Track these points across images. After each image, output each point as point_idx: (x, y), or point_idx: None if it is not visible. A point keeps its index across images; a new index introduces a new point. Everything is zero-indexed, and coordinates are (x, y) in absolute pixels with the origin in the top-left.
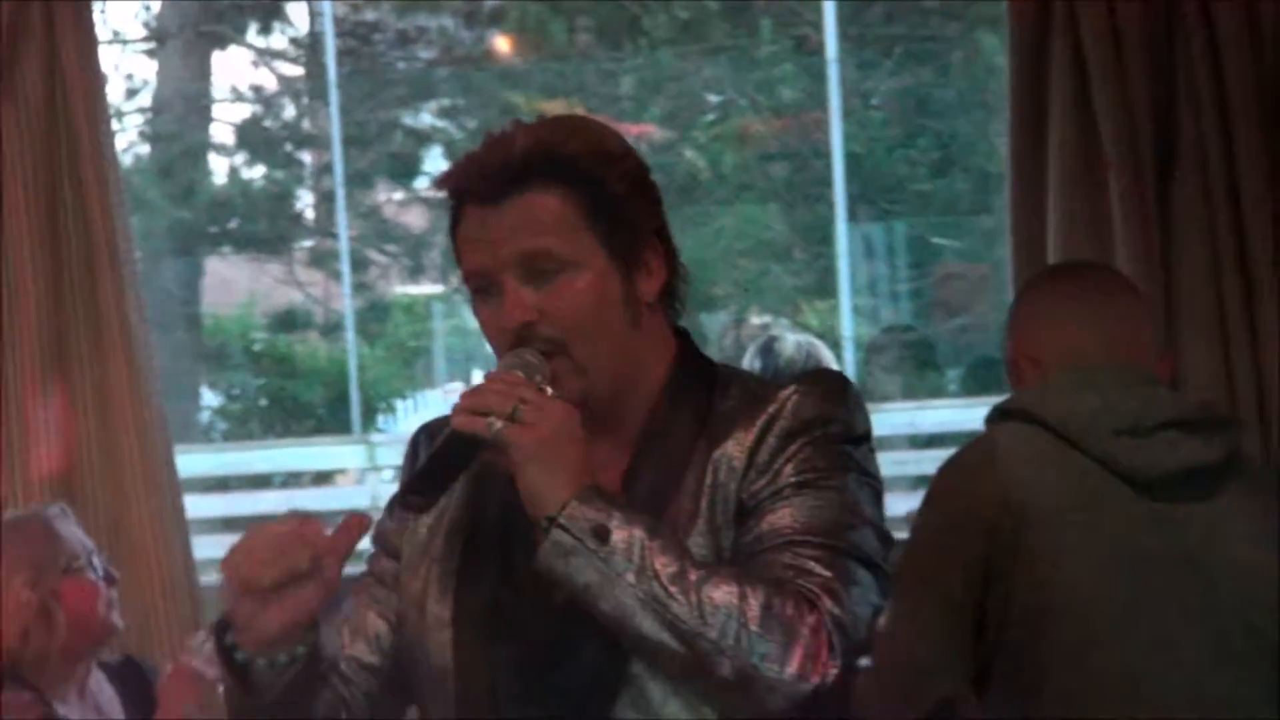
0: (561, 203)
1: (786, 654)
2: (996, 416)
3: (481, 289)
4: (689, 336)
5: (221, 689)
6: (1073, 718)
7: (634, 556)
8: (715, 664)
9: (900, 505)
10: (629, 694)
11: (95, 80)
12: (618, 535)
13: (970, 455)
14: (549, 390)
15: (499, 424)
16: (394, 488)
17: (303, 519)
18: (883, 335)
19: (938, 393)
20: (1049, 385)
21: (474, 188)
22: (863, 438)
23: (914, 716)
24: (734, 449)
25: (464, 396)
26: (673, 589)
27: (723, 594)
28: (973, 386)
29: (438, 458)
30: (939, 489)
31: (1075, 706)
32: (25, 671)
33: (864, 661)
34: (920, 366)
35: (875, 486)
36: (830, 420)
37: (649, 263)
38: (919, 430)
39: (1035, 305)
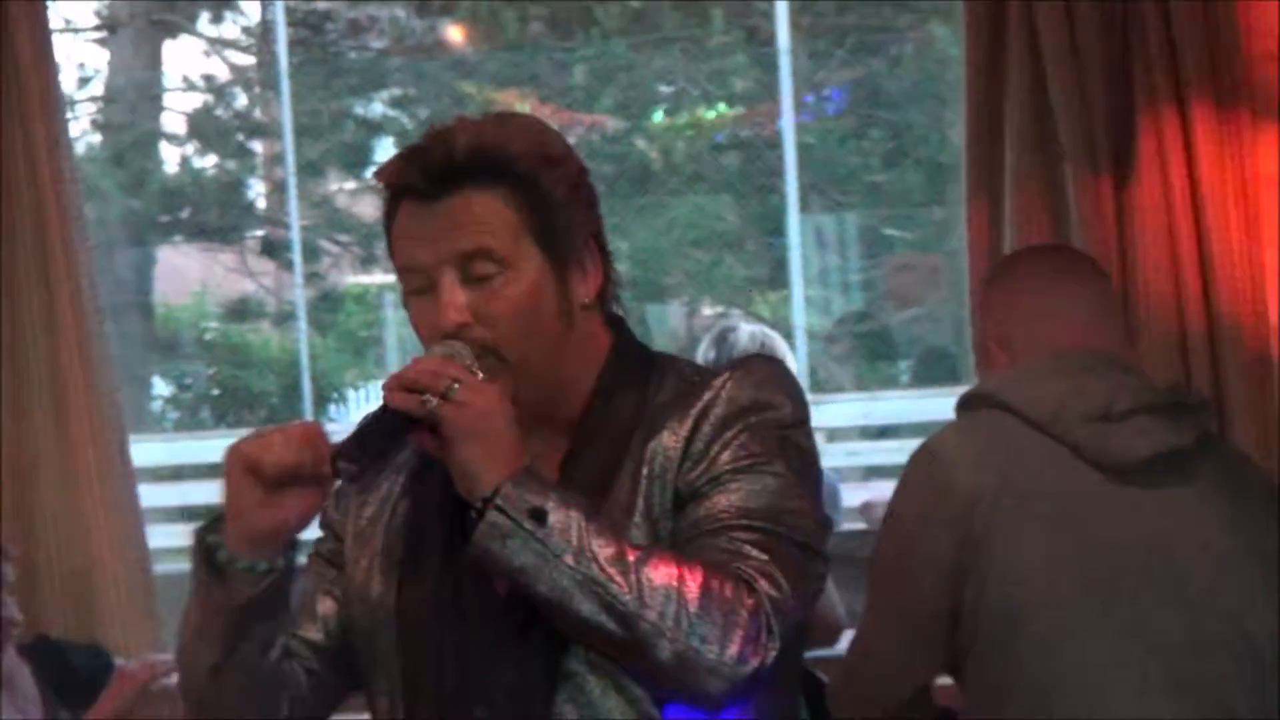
0: (501, 203)
1: (726, 636)
2: (965, 403)
3: (415, 284)
4: (625, 329)
5: (187, 598)
6: (1049, 708)
7: (571, 538)
8: (654, 646)
9: (853, 496)
10: (567, 689)
11: (49, 72)
12: (555, 517)
13: (938, 445)
14: (479, 375)
15: (434, 401)
16: None
17: (312, 424)
18: (837, 326)
19: (890, 383)
20: (1018, 371)
21: (413, 183)
22: (800, 421)
23: (888, 707)
24: (669, 439)
25: (396, 374)
26: (611, 570)
27: (661, 575)
28: (924, 377)
29: (370, 428)
30: (908, 479)
31: (1051, 696)
32: None
33: (834, 649)
34: (873, 357)
35: (812, 470)
36: (766, 405)
37: (584, 265)
38: (872, 421)
39: (1004, 289)
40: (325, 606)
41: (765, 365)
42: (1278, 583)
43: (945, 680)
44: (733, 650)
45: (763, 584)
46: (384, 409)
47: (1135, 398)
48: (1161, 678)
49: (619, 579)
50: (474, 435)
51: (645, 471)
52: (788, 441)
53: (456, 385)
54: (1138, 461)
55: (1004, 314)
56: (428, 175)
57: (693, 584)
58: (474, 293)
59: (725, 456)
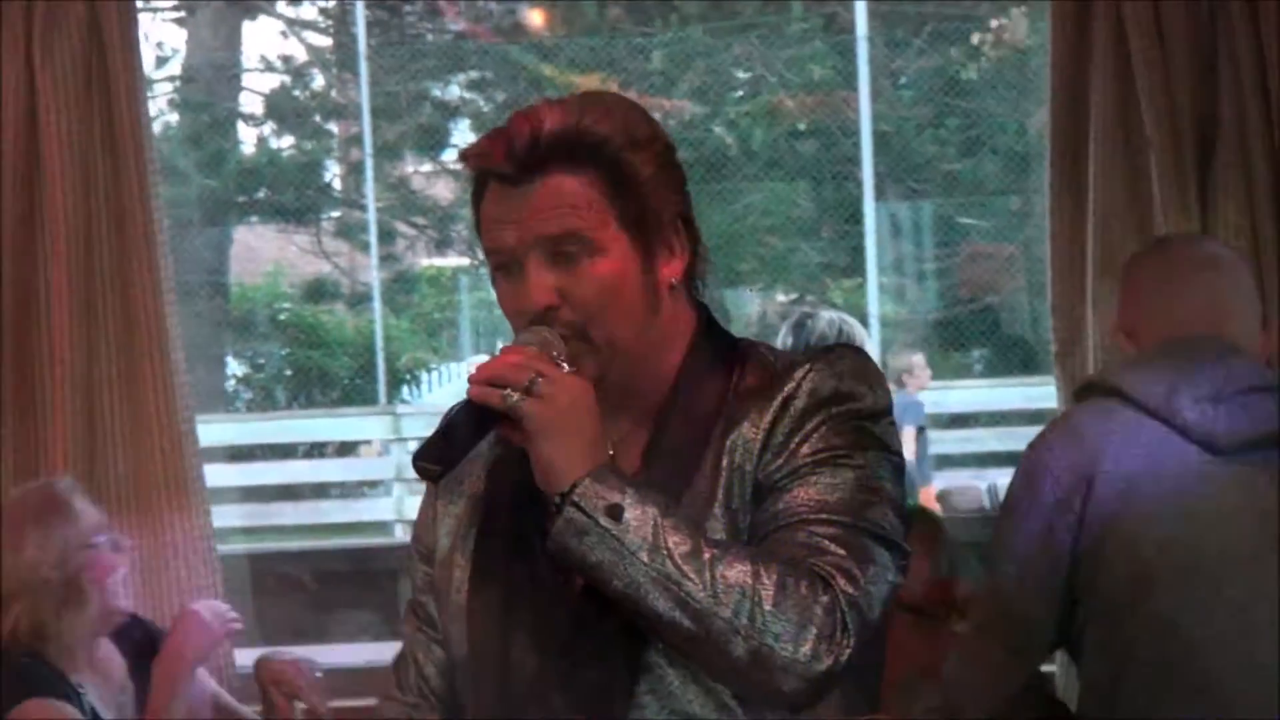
0: (588, 185)
1: (800, 634)
2: (1081, 392)
3: (503, 266)
4: (710, 314)
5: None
6: (1166, 684)
7: (647, 535)
8: (729, 643)
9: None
10: (648, 681)
11: (134, 47)
12: (631, 513)
13: (1053, 433)
14: (566, 367)
15: (515, 396)
16: None
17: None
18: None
19: (962, 372)
20: (1131, 359)
21: (500, 165)
22: (882, 413)
23: (1012, 683)
24: (749, 430)
25: (480, 368)
26: (686, 567)
27: (737, 573)
28: (997, 367)
29: (451, 427)
30: (1024, 467)
31: (1167, 673)
32: (48, 651)
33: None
34: (946, 346)
35: (895, 462)
36: (847, 396)
37: (671, 246)
38: (943, 410)
39: (1131, 281)
40: (429, 669)
41: (848, 355)
42: None
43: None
44: (806, 648)
45: (839, 581)
46: (466, 404)
47: (1242, 379)
48: (1271, 652)
49: (693, 576)
50: (555, 430)
51: (725, 463)
52: (869, 433)
53: (539, 379)
54: (1244, 439)
55: (1130, 305)
56: (514, 158)
57: (767, 581)
58: (561, 274)
59: (805, 449)
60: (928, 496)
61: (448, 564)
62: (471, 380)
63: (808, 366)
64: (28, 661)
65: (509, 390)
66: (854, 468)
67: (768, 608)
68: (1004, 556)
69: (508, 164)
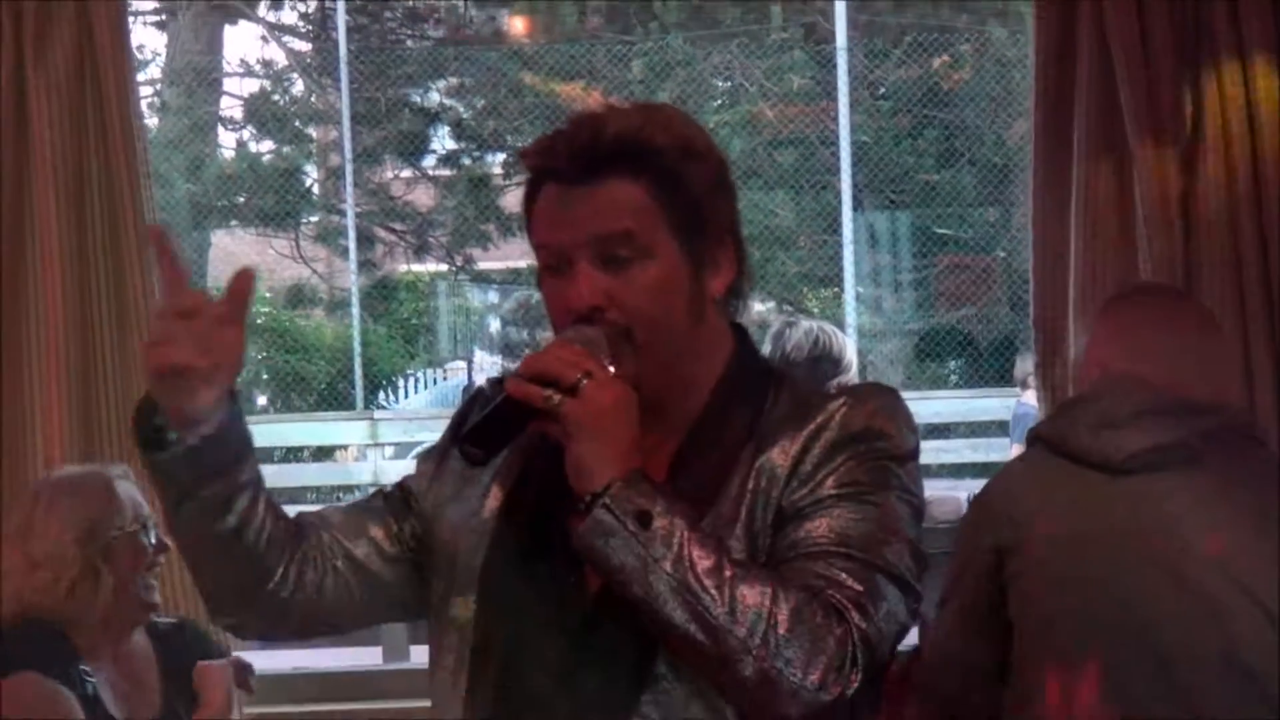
0: (643, 192)
1: (811, 662)
2: (1027, 441)
3: (552, 265)
4: (747, 335)
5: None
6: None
7: (673, 545)
8: (739, 662)
9: None
10: (652, 691)
11: (127, 59)
12: (659, 522)
13: (988, 484)
14: (612, 369)
15: (556, 398)
16: (396, 463)
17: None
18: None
19: (939, 383)
20: (1059, 407)
21: (558, 166)
22: (908, 455)
23: (955, 694)
24: (779, 456)
25: (529, 360)
26: (707, 582)
27: (755, 594)
28: (974, 378)
29: (494, 417)
30: (966, 516)
31: (1069, 696)
32: (66, 628)
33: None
34: (923, 356)
35: (916, 505)
36: (877, 435)
37: (719, 260)
38: (921, 420)
39: (1097, 330)
40: (379, 537)
41: (881, 395)
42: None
43: None
44: (815, 676)
45: (854, 614)
46: (508, 397)
47: (1138, 403)
48: (1188, 660)
49: (713, 591)
50: (593, 432)
51: (751, 486)
52: (894, 474)
53: (585, 381)
54: (1130, 455)
55: (1090, 354)
56: (573, 160)
57: (785, 606)
58: (610, 277)
59: (831, 481)
60: None
61: (473, 551)
62: (519, 372)
63: (842, 400)
64: (38, 632)
65: (551, 392)
66: (876, 505)
67: (782, 631)
68: (947, 590)
69: (567, 164)
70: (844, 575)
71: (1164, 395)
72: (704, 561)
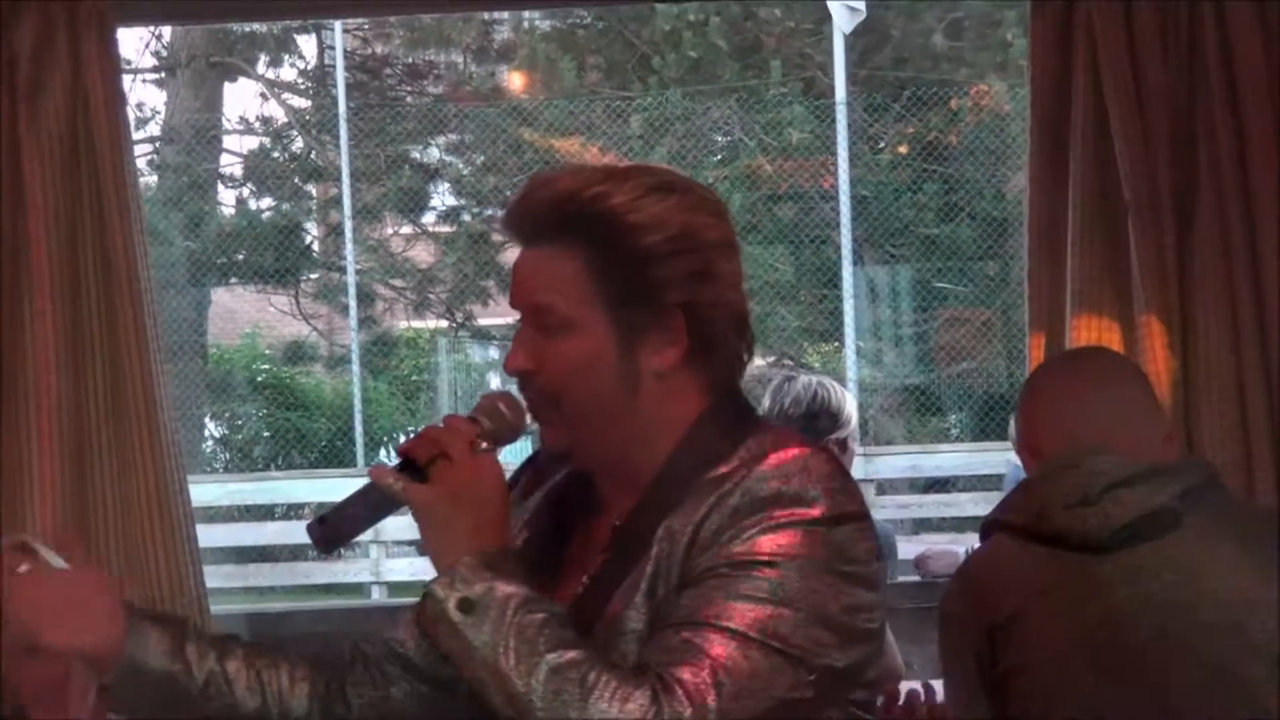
0: (574, 261)
1: None
2: (983, 529)
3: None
4: (727, 399)
5: None
6: None
7: (491, 631)
8: None
9: (904, 549)
10: None
11: (119, 111)
12: (481, 607)
13: (953, 584)
14: (484, 445)
15: (399, 484)
16: (397, 519)
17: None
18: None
19: (940, 437)
20: (1015, 488)
21: (510, 226)
22: (834, 518)
23: None
24: (681, 520)
25: (410, 438)
26: (521, 667)
27: (562, 679)
28: (974, 431)
29: (353, 499)
30: (941, 611)
31: None
32: None
33: None
34: (924, 410)
35: (845, 571)
36: (792, 500)
37: (665, 333)
38: (921, 474)
39: (1033, 399)
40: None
41: (801, 456)
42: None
43: None
44: None
45: (676, 693)
46: (370, 483)
47: (1110, 476)
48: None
49: (525, 676)
50: (438, 516)
51: (655, 551)
52: (815, 540)
53: (440, 462)
54: (1113, 531)
55: (1031, 423)
56: (521, 220)
57: (593, 687)
58: (541, 344)
59: (731, 549)
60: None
61: None
62: (399, 448)
63: (754, 466)
64: None
65: (394, 479)
66: (772, 578)
67: (575, 715)
68: (944, 669)
69: (516, 225)
70: (708, 647)
71: (1126, 463)
72: (521, 648)
